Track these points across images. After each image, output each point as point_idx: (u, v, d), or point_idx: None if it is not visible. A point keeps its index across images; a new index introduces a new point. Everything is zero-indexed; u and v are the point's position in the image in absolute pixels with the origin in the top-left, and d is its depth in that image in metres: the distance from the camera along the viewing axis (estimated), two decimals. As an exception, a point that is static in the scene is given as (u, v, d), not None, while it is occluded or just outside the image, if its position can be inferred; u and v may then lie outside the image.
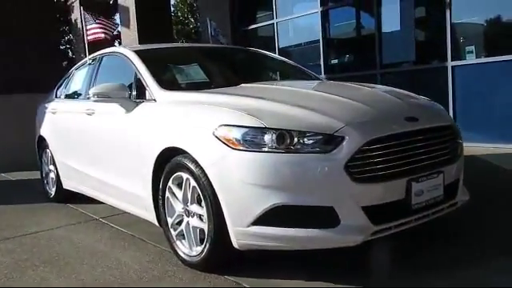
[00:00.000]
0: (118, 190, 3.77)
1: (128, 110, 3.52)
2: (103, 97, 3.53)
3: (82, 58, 15.61)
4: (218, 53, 4.47)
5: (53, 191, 5.35)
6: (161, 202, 3.18)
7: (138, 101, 3.51)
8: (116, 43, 18.73)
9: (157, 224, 3.35)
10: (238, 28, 11.05)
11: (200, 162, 2.74)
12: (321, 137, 2.52)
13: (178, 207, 3.05)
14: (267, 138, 2.54)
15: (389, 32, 8.50)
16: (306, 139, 2.53)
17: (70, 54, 24.08)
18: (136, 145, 3.36)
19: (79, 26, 17.98)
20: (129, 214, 3.94)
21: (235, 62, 4.36)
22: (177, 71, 3.90)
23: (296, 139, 2.52)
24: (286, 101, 2.89)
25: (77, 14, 17.67)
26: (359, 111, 2.76)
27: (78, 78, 4.91)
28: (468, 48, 7.25)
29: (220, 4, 11.05)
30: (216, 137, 2.66)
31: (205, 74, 3.93)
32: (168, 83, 3.49)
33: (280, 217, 2.50)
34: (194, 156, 2.78)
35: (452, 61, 7.31)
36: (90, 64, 4.70)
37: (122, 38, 13.16)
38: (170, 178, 3.06)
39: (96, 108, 4.03)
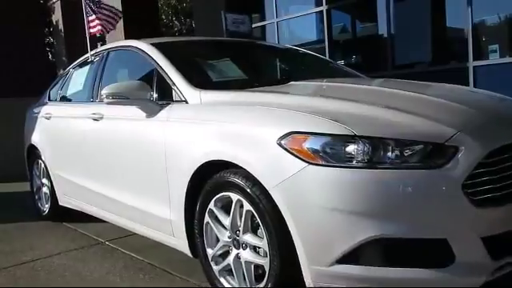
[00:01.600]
0: (134, 210, 3.13)
1: (150, 114, 2.89)
2: (120, 98, 2.89)
3: (63, 62, 14.66)
4: (246, 47, 3.84)
5: (46, 208, 4.66)
6: (197, 228, 2.56)
7: (161, 103, 2.88)
8: (99, 44, 17.93)
9: (189, 254, 2.72)
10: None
11: (261, 180, 2.12)
12: (425, 147, 1.93)
13: (223, 236, 2.43)
14: (356, 149, 1.94)
15: (401, 30, 7.98)
16: (407, 150, 1.93)
17: (50, 57, 23.16)
18: (162, 157, 2.73)
19: (60, 27, 17.11)
20: (140, 235, 3.31)
21: (268, 58, 3.75)
22: (207, 67, 3.27)
23: (394, 151, 1.93)
24: (366, 101, 2.29)
25: (58, 15, 16.84)
26: (466, 114, 2.17)
27: (77, 78, 4.24)
28: (491, 47, 6.77)
29: (214, 2, 10.43)
30: (283, 147, 2.05)
31: (241, 71, 3.32)
32: (200, 81, 2.86)
33: (376, 253, 1.91)
34: (251, 172, 2.16)
35: (474, 61, 6.82)
36: (92, 61, 4.04)
37: (106, 39, 12.49)
38: (211, 199, 2.43)
39: (105, 112, 3.38)
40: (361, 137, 1.94)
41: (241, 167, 2.22)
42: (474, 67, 6.82)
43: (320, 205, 1.95)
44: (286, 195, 2.03)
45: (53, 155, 4.33)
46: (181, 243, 2.73)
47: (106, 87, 2.94)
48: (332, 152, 1.96)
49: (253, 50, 3.80)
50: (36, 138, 4.63)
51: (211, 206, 2.44)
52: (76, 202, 4.13)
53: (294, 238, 2.03)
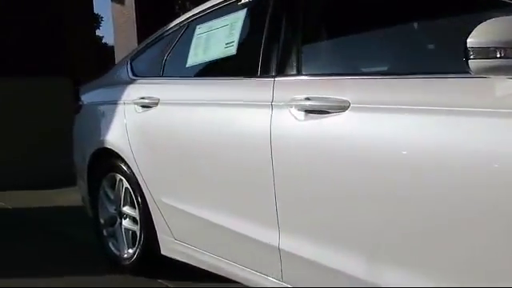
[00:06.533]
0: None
1: None
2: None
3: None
4: None
5: (129, 254, 2.82)
6: None
7: None
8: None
9: None
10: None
11: None
12: None
13: None
14: None
15: None
16: None
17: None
18: None
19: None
20: None
21: None
22: None
23: None
24: None
25: None
26: None
27: (211, 37, 2.37)
28: None
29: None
30: None
31: None
32: None
33: None
34: None
35: None
36: (246, 5, 2.21)
37: (113, 17, 10.53)
38: None
39: (372, 96, 1.59)
40: None
41: None
42: None
43: None
44: None
45: (159, 170, 2.51)
46: None
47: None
48: None
49: None
50: (115, 139, 2.78)
51: None
52: (204, 257, 2.34)
53: None
